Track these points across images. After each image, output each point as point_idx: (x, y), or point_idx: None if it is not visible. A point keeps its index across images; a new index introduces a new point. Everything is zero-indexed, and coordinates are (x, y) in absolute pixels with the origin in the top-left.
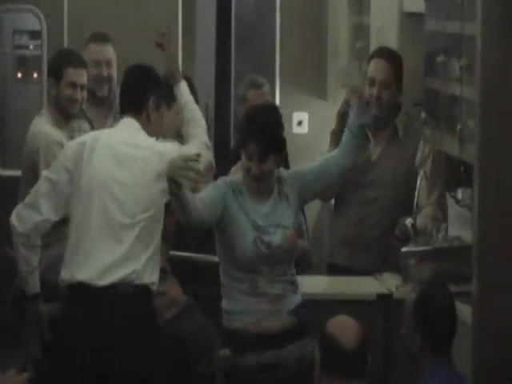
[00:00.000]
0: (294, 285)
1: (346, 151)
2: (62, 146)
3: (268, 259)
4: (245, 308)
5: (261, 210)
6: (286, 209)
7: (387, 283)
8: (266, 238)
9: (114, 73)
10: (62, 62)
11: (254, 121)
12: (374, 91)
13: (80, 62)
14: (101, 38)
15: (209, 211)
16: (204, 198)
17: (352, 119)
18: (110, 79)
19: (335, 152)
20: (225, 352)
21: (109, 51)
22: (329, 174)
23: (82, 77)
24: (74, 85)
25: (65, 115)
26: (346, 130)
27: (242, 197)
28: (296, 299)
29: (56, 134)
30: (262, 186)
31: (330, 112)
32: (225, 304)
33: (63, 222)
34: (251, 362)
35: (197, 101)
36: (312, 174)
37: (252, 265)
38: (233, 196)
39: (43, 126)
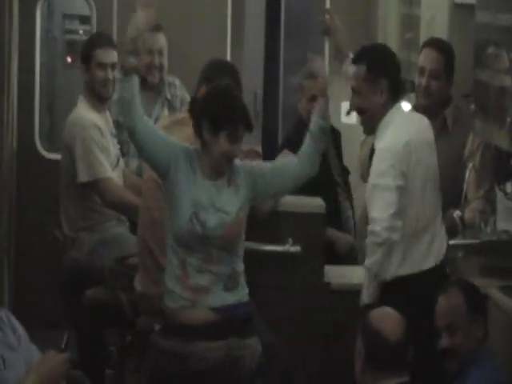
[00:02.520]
0: (232, 282)
1: (304, 160)
2: (98, 128)
3: (202, 239)
4: (174, 290)
5: (207, 187)
6: (233, 196)
7: None
8: (202, 217)
9: (165, 61)
10: (89, 46)
11: (234, 102)
12: (423, 80)
13: (107, 42)
14: (153, 26)
15: (160, 145)
16: (162, 136)
17: (313, 121)
18: (161, 67)
19: (295, 159)
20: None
21: (161, 40)
22: (283, 180)
23: (111, 56)
24: (103, 65)
25: (100, 98)
26: (307, 134)
27: (193, 166)
28: (228, 298)
29: (93, 116)
30: (220, 166)
31: None
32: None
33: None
34: (166, 348)
35: (241, 90)
36: (269, 176)
37: (185, 240)
38: (186, 160)
39: (80, 111)
